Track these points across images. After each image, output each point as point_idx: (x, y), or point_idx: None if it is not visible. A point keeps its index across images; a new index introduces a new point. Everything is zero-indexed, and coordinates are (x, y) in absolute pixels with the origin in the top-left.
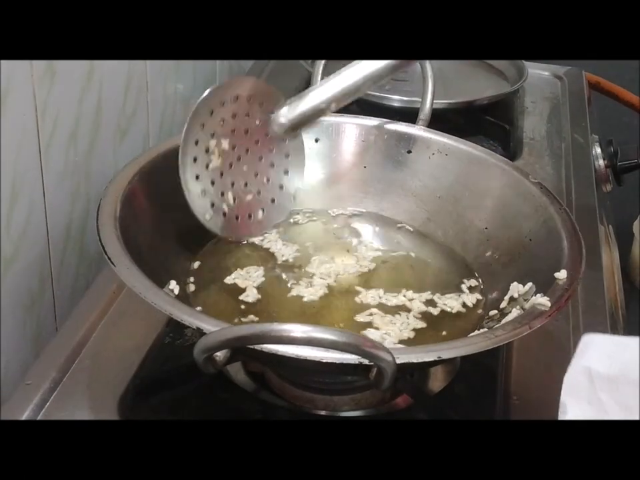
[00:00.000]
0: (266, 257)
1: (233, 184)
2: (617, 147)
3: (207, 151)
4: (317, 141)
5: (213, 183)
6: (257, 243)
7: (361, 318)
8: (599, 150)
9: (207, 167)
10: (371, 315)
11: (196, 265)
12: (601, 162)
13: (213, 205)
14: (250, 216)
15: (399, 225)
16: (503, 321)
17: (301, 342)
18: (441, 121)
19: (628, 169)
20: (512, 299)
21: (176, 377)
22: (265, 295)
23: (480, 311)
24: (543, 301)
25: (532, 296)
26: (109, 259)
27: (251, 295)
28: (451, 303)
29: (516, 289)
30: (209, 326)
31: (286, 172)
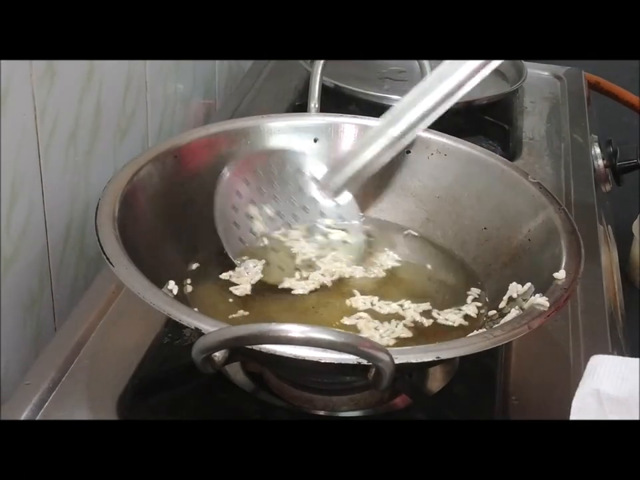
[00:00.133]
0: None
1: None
2: (617, 147)
3: (249, 217)
4: (315, 140)
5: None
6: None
7: (347, 321)
8: (598, 150)
9: (251, 231)
10: (359, 318)
11: (194, 265)
12: (600, 162)
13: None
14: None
15: (405, 232)
16: (502, 321)
17: (300, 342)
18: (440, 121)
19: (627, 169)
20: (511, 299)
21: (175, 377)
22: (258, 287)
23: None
24: (541, 301)
25: (531, 296)
26: (108, 259)
27: (241, 289)
28: (452, 317)
29: (515, 289)
30: (208, 326)
31: (345, 230)
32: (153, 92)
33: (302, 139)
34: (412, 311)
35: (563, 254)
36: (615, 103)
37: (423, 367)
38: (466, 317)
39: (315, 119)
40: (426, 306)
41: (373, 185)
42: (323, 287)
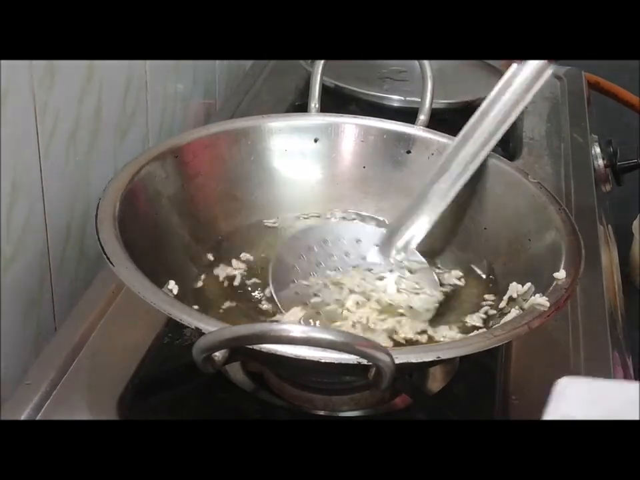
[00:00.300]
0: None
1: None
2: (617, 147)
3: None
4: (316, 140)
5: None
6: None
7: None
8: (598, 150)
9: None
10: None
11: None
12: (601, 162)
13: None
14: None
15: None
16: (502, 321)
17: (300, 342)
18: (440, 121)
19: (627, 168)
20: (511, 299)
21: (175, 376)
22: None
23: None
24: (542, 301)
25: (531, 296)
26: (108, 258)
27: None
28: (451, 334)
29: (515, 288)
30: (208, 326)
31: (416, 292)
32: (153, 92)
33: (302, 139)
34: (407, 327)
35: (563, 254)
36: (615, 103)
37: (423, 367)
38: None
39: (315, 119)
40: (423, 326)
41: (374, 185)
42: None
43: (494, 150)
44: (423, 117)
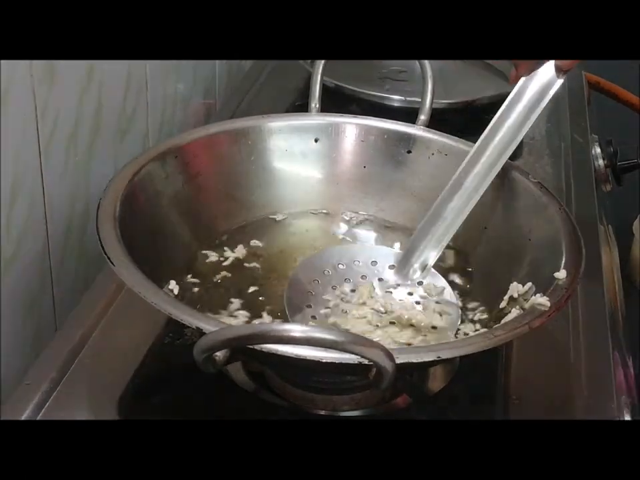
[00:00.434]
0: None
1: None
2: (617, 147)
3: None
4: (316, 140)
5: None
6: None
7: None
8: (598, 150)
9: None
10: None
11: (195, 264)
12: (601, 162)
13: None
14: None
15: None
16: (503, 321)
17: (301, 342)
18: (440, 120)
19: (628, 168)
20: (511, 299)
21: (175, 376)
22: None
23: None
24: (542, 300)
25: (532, 296)
26: (109, 258)
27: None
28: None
29: (515, 288)
30: (209, 326)
31: (438, 312)
32: (153, 92)
33: (302, 139)
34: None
35: (563, 254)
36: (615, 103)
37: (424, 367)
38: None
39: (315, 119)
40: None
41: (374, 185)
42: None
43: None
44: (423, 117)
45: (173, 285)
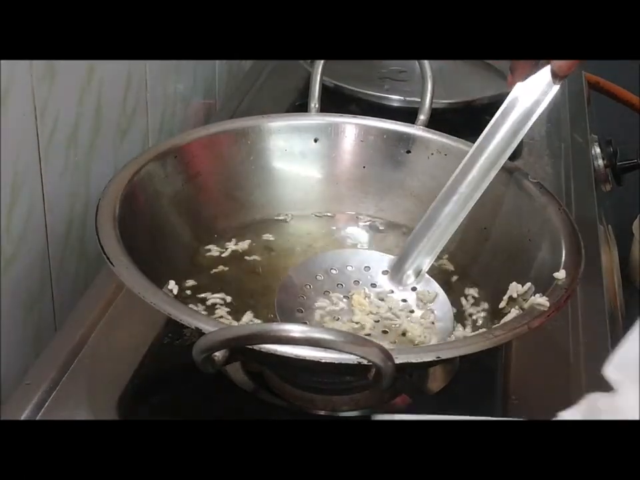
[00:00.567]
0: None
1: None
2: (617, 147)
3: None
4: (316, 140)
5: None
6: None
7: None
8: (598, 150)
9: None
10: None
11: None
12: (601, 162)
13: None
14: None
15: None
16: (502, 321)
17: (300, 342)
18: (440, 120)
19: (627, 168)
20: (511, 299)
21: (175, 376)
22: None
23: None
24: (542, 301)
25: (531, 296)
26: (108, 258)
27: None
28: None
29: (515, 288)
30: (208, 326)
31: (431, 321)
32: (153, 92)
33: (302, 138)
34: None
35: (563, 254)
36: (615, 103)
37: (423, 367)
38: None
39: (315, 119)
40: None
41: (374, 184)
42: None
43: None
44: (422, 117)
45: (173, 285)
